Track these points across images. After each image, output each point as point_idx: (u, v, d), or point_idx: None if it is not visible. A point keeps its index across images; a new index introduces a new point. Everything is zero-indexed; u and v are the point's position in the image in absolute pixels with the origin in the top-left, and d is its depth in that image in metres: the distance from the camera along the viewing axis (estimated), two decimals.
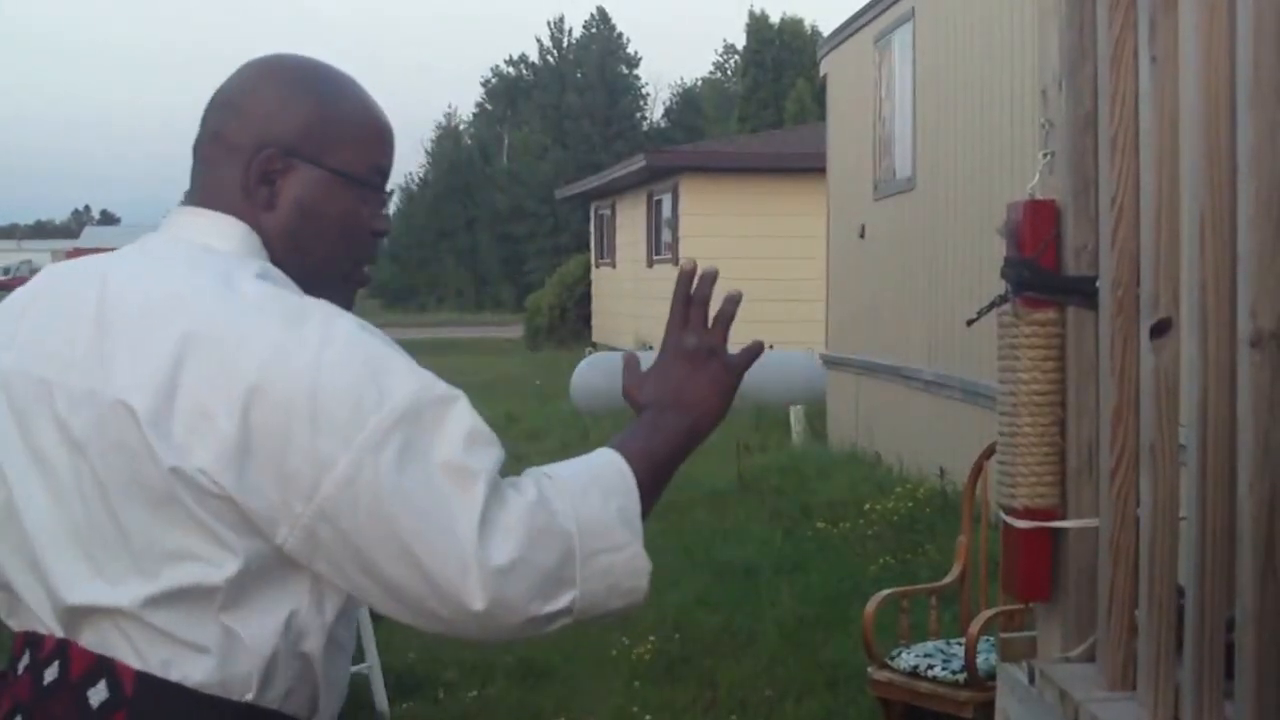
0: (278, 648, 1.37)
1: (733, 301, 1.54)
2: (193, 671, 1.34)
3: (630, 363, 1.58)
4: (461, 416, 1.35)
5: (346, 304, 1.48)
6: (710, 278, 1.54)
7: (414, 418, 1.32)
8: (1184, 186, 2.23)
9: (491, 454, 1.35)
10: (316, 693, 1.43)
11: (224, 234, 1.47)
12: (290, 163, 1.49)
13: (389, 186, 1.59)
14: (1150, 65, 2.26)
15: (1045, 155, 2.52)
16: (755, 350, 1.56)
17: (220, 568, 1.34)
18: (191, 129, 1.55)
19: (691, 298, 1.54)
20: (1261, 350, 2.04)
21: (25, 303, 1.50)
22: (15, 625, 1.45)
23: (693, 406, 1.51)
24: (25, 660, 1.41)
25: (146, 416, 1.32)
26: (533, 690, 5.48)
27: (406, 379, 1.35)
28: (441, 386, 1.36)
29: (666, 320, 1.55)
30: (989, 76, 8.36)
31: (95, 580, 1.36)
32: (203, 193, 1.51)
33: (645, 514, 1.44)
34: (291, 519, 1.32)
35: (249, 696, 1.36)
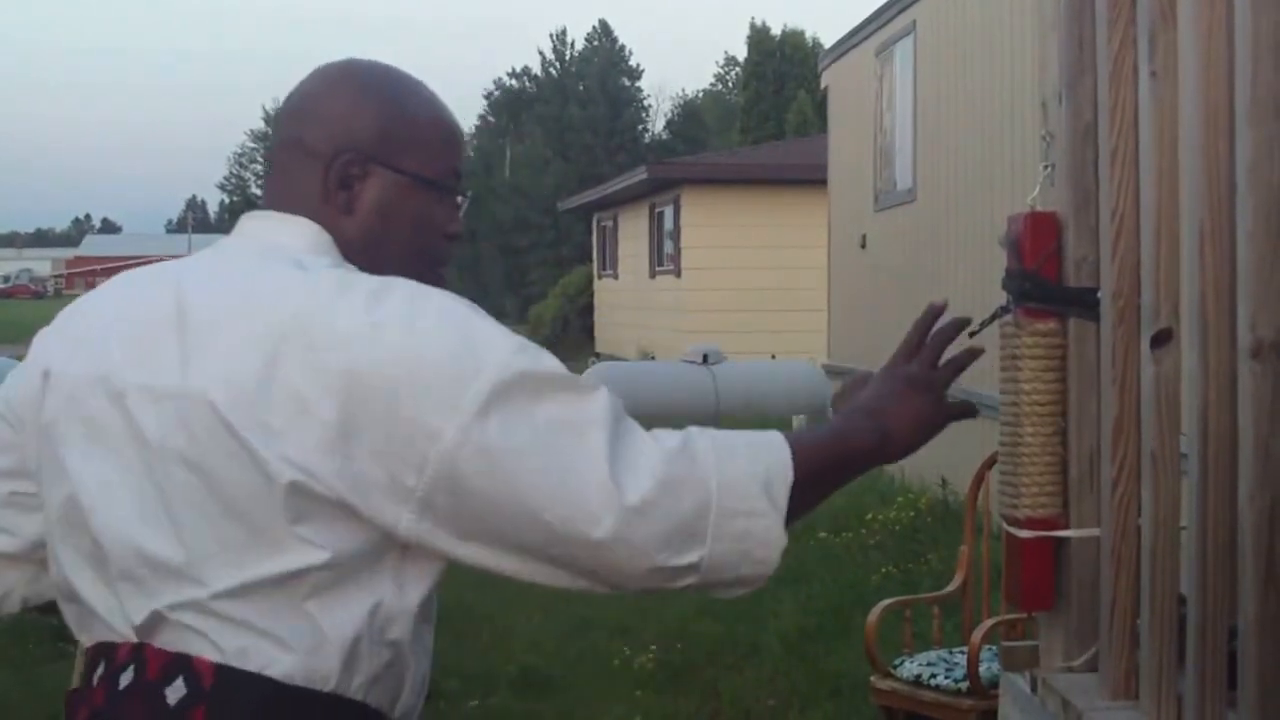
0: (361, 636, 1.34)
1: (971, 355, 1.58)
2: (272, 661, 1.32)
3: (856, 381, 1.59)
4: (559, 373, 1.34)
5: None
6: (957, 325, 1.58)
7: (515, 380, 1.31)
8: (1183, 199, 2.24)
9: (599, 401, 1.33)
10: (401, 683, 1.40)
11: (295, 233, 1.46)
12: (368, 168, 1.49)
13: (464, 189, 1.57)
14: (1149, 80, 2.28)
15: (1046, 167, 2.53)
16: (967, 409, 1.57)
17: (305, 560, 1.32)
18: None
19: (931, 333, 1.58)
20: (1261, 361, 2.05)
21: (87, 309, 1.49)
22: (86, 640, 1.42)
23: (888, 423, 1.50)
24: (100, 671, 1.38)
25: (240, 412, 1.31)
26: (535, 700, 5.48)
27: (501, 343, 1.34)
28: (534, 347, 1.35)
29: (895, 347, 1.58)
30: (990, 89, 8.39)
31: (170, 579, 1.34)
32: (277, 197, 1.50)
33: (796, 512, 1.38)
34: (403, 495, 1.30)
35: (330, 686, 1.33)
